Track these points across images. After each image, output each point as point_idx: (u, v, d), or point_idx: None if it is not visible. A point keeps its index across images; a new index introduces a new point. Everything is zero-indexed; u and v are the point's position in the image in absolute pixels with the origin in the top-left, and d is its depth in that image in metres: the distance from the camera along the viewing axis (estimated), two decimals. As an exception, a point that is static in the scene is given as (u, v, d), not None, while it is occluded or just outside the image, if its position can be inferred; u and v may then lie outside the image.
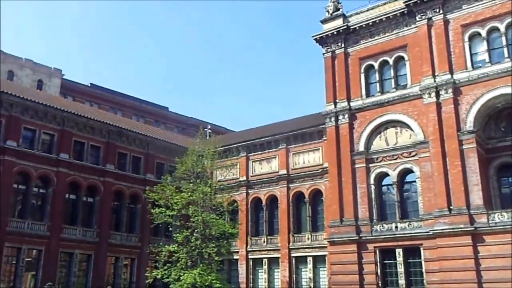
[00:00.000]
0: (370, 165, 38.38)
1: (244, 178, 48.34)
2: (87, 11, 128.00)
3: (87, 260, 43.45)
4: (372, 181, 38.02)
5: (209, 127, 54.21)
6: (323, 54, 42.58)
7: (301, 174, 44.71)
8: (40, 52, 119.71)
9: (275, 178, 46.19)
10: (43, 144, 42.52)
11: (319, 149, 44.04)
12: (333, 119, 40.60)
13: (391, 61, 39.05)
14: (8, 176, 39.11)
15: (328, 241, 39.08)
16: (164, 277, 38.24)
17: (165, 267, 38.12)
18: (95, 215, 44.61)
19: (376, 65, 39.72)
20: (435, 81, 35.95)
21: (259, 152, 48.19)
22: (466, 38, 35.80)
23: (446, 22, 36.71)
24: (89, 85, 74.07)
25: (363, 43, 40.69)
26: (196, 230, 38.66)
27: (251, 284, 45.76)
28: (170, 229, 45.19)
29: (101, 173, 45.36)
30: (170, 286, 39.81)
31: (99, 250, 43.67)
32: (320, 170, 43.10)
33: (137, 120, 68.19)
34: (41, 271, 39.68)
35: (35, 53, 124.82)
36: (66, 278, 41.92)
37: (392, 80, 38.93)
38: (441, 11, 36.90)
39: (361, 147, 38.90)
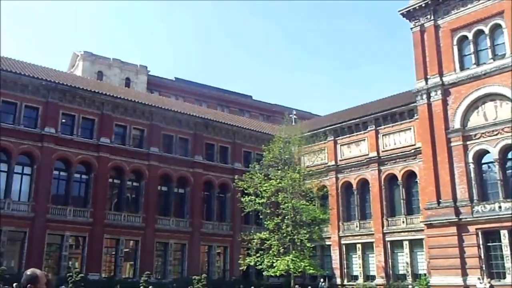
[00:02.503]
0: (468, 142, 36.04)
1: (333, 162, 47.30)
2: (166, 8, 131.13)
3: (181, 249, 44.51)
4: (470, 160, 35.70)
5: (294, 113, 53.35)
6: (411, 28, 40.32)
7: (393, 155, 42.96)
8: (126, 51, 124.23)
9: (365, 161, 44.77)
10: (134, 139, 43.92)
11: (410, 128, 42.09)
12: (424, 96, 38.48)
13: (486, 30, 36.20)
14: (103, 171, 40.82)
15: (425, 224, 37.33)
16: (257, 264, 38.41)
17: (258, 255, 38.25)
18: (186, 205, 45.54)
19: (470, 35, 37.03)
20: (537, 48, 33.02)
21: (347, 135, 46.90)
22: None
23: (548, -19, 33.54)
24: (174, 79, 75.57)
25: (455, 13, 38.01)
26: (286, 217, 38.38)
27: (345, 270, 44.93)
28: (261, 216, 45.24)
29: (190, 164, 46.11)
30: (263, 273, 39.98)
31: (192, 239, 44.54)
32: (412, 151, 41.21)
33: (222, 111, 68.72)
34: (139, 261, 41.19)
35: (122, 52, 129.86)
36: (163, 267, 43.29)
37: (489, 51, 36.11)
38: (541, -31, 33.75)
39: (456, 124, 36.59)
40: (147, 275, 36.77)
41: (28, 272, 5.05)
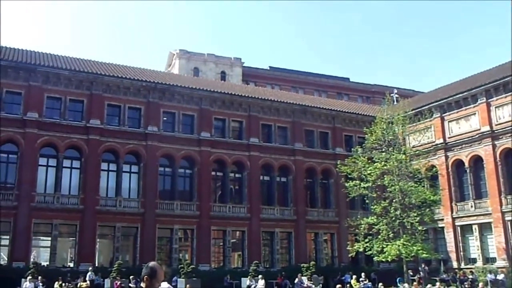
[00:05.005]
0: None
1: (441, 140, 44.57)
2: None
3: (288, 238, 44.30)
4: None
5: (396, 91, 50.86)
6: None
7: (508, 129, 39.48)
8: (220, 45, 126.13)
9: (476, 136, 41.69)
10: (233, 131, 44.24)
11: (527, 97, 38.52)
12: (541, 60, 34.98)
13: None
14: (206, 165, 41.55)
15: (550, 201, 34.02)
16: (366, 250, 37.17)
17: (366, 240, 36.95)
18: (289, 194, 45.16)
19: None
20: None
21: (455, 111, 43.90)
22: None
23: None
24: (268, 68, 75.48)
25: None
26: (394, 200, 36.68)
27: (461, 253, 42.34)
28: (367, 201, 43.80)
29: (290, 152, 45.63)
30: (373, 258, 38.69)
31: (298, 227, 44.13)
32: (531, 122, 37.72)
33: (319, 95, 67.61)
34: (246, 251, 41.55)
35: (216, 47, 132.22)
36: (270, 256, 43.40)
37: None
38: None
39: None
40: (255, 264, 36.99)
41: (150, 264, 5.20)
